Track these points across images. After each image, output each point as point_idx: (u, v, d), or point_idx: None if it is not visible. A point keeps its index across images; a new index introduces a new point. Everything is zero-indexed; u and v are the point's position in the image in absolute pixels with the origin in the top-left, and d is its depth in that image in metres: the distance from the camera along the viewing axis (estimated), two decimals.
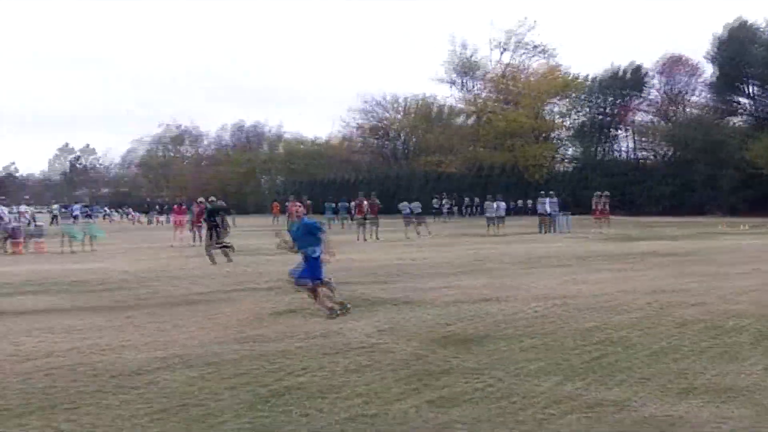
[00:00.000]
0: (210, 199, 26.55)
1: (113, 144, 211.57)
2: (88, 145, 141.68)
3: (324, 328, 10.35)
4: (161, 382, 7.40)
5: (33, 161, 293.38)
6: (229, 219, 28.56)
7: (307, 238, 11.65)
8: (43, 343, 9.49)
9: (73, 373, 7.83)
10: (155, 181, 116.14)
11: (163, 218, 56.54)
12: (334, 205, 48.72)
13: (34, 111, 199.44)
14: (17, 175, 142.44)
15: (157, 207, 67.96)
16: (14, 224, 28.98)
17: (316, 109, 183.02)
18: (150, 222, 64.24)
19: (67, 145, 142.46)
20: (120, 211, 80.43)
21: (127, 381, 7.46)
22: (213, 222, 22.42)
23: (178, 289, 15.33)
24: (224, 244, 22.06)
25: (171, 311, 12.23)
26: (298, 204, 11.88)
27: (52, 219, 39.16)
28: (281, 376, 7.55)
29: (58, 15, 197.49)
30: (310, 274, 11.54)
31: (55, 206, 35.72)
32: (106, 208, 77.93)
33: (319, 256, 11.62)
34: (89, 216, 29.40)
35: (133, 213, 73.81)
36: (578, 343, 9.05)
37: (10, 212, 29.95)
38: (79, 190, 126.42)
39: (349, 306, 11.70)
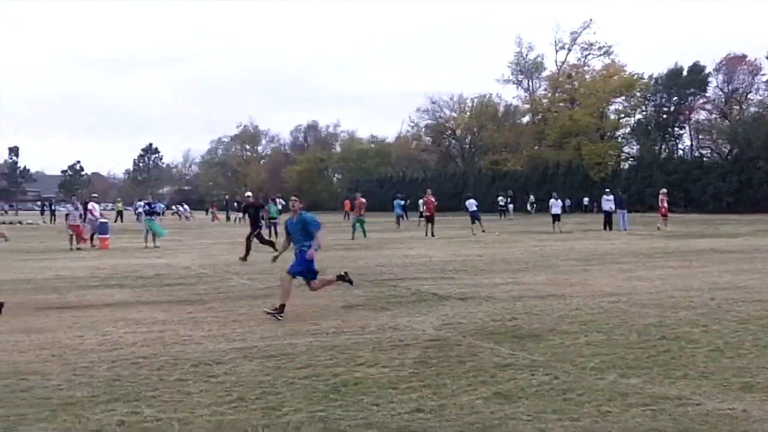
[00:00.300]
0: (246, 195, 27.26)
1: (194, 144, 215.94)
2: (164, 147, 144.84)
3: (394, 321, 10.63)
4: (239, 371, 7.74)
5: (119, 161, 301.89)
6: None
7: (302, 233, 11.79)
8: (128, 334, 9.97)
9: (156, 362, 8.24)
10: (233, 180, 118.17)
11: (240, 215, 57.67)
12: (402, 202, 48.86)
13: (122, 113, 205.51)
14: (103, 174, 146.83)
15: (235, 205, 69.23)
16: (102, 220, 30.05)
17: (382, 109, 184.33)
18: (228, 219, 65.68)
19: (150, 145, 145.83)
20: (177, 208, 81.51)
21: (206, 370, 7.82)
22: (251, 216, 23.63)
23: (256, 282, 15.78)
24: (264, 239, 23.37)
25: (249, 303, 12.66)
26: (294, 198, 12.13)
27: (137, 216, 40.14)
28: (352, 367, 7.83)
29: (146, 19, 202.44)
30: (305, 268, 11.71)
31: (139, 203, 36.66)
32: (179, 206, 79.22)
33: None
34: (154, 213, 30.09)
35: (188, 211, 75.05)
36: (639, 338, 9.15)
37: (103, 209, 30.99)
38: (159, 189, 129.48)
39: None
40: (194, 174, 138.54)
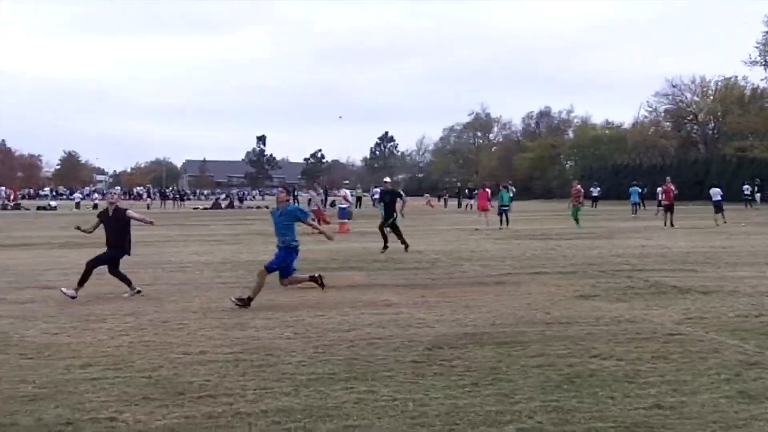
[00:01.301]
0: (384, 180, 25.29)
1: (428, 132, 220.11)
2: (399, 135, 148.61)
3: (631, 313, 10.29)
4: (471, 356, 7.81)
5: (357, 149, 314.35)
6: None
7: (287, 226, 11.75)
8: (365, 315, 10.32)
9: (391, 343, 8.48)
10: (465, 167, 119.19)
11: (472, 202, 58.07)
12: (639, 190, 47.07)
13: (361, 103, 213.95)
14: (342, 162, 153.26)
15: (466, 192, 69.79)
16: (342, 205, 31.38)
17: (617, 94, 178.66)
18: (459, 206, 66.34)
19: (386, 134, 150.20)
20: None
21: (439, 354, 7.95)
22: (386, 204, 21.48)
23: (487, 269, 15.85)
24: (396, 230, 20.77)
25: (481, 290, 12.72)
26: (281, 189, 12.05)
27: (374, 201, 41.50)
28: (587, 359, 7.67)
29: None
30: (281, 265, 11.71)
31: (376, 190, 37.90)
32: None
33: (293, 246, 11.78)
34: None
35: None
36: None
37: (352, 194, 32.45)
38: (394, 176, 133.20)
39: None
40: (427, 161, 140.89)
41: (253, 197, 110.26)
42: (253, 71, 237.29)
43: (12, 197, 73.98)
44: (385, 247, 20.39)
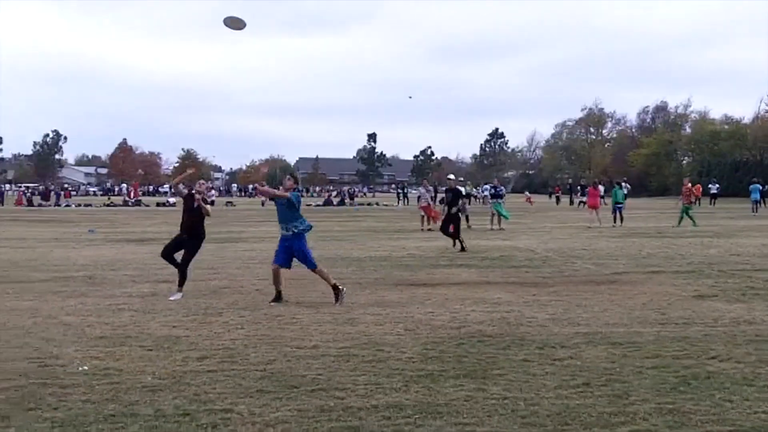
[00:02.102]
0: (448, 178, 24.28)
1: (539, 128, 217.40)
2: (509, 132, 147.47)
3: (750, 315, 9.95)
4: (584, 356, 7.69)
5: (467, 146, 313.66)
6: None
7: (290, 213, 11.43)
8: (475, 312, 10.30)
9: (502, 341, 8.43)
10: (577, 163, 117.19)
11: (584, 199, 57.21)
12: (761, 187, 45.26)
13: (471, 99, 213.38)
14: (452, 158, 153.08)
15: (577, 188, 68.63)
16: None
17: (737, 88, 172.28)
18: (571, 203, 65.30)
19: (496, 130, 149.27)
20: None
21: (551, 353, 7.87)
22: (448, 203, 20.93)
23: (600, 268, 15.55)
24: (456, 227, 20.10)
25: (593, 288, 12.51)
26: (289, 176, 11.51)
27: (483, 199, 41.25)
28: (703, 360, 7.45)
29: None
30: (283, 254, 11.43)
31: (486, 186, 37.71)
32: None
33: (299, 233, 11.40)
34: (499, 196, 30.55)
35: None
36: None
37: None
38: (504, 173, 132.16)
39: None
40: (538, 158, 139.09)
41: (364, 194, 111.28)
42: (366, 69, 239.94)
43: (133, 194, 76.68)
44: (462, 248, 19.51)
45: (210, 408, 5.97)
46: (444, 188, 22.58)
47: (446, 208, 20.74)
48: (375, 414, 5.83)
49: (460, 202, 20.56)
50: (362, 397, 6.28)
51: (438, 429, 5.51)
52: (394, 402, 6.12)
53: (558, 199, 69.77)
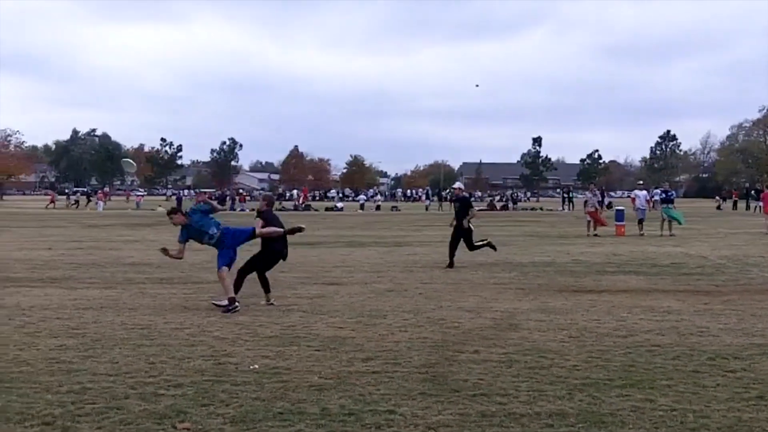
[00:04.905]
0: (453, 187, 21.62)
1: (714, 130, 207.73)
2: (682, 134, 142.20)
3: None
4: (758, 368, 7.35)
5: (636, 149, 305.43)
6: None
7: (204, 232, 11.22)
8: (643, 321, 10.01)
9: (671, 351, 8.16)
10: (755, 167, 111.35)
11: (761, 204, 54.33)
12: None
13: (640, 101, 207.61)
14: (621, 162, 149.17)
15: (752, 193, 65.32)
16: (619, 208, 30.57)
17: None
18: (748, 208, 62.19)
19: (668, 132, 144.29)
20: None
21: (723, 364, 7.56)
22: (456, 211, 18.37)
23: None
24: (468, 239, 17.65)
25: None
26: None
27: (653, 204, 39.82)
28: None
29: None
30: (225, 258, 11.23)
31: (656, 191, 36.39)
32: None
33: (215, 235, 11.21)
34: (670, 201, 29.44)
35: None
36: None
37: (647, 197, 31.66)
38: (675, 176, 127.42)
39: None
40: (712, 161, 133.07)
41: (527, 199, 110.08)
42: (534, 72, 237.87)
43: (302, 198, 78.97)
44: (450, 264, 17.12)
45: (374, 409, 6.10)
46: (454, 197, 19.29)
47: (455, 216, 18.09)
48: (537, 421, 5.79)
49: (471, 211, 18.02)
50: (524, 403, 6.24)
51: None
52: (557, 410, 6.05)
53: (735, 204, 66.62)
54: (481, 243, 18.06)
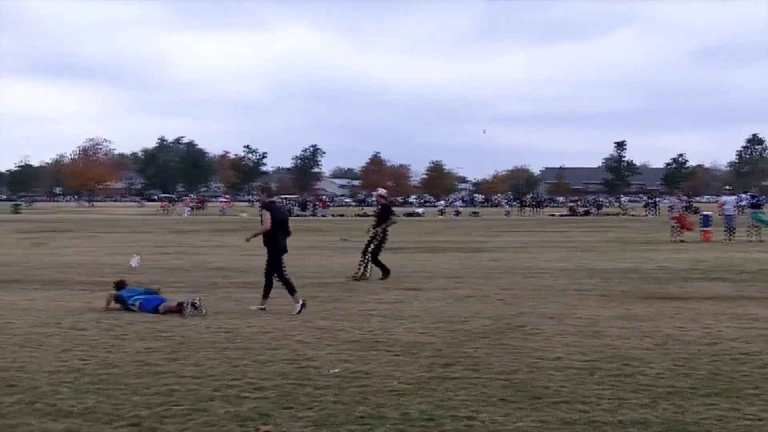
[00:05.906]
0: (377, 193, 19.40)
1: None
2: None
3: None
4: None
5: (723, 153, 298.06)
6: None
7: None
8: (729, 328, 9.77)
9: (758, 359, 7.97)
10: None
11: None
12: None
13: (728, 104, 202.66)
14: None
15: None
16: (705, 212, 29.84)
17: None
18: None
19: (755, 136, 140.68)
20: None
21: None
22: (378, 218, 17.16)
23: None
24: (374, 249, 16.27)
25: None
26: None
27: (741, 209, 38.76)
28: None
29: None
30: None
31: (743, 195, 35.41)
32: None
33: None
34: (758, 206, 28.62)
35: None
36: None
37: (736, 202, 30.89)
38: (763, 181, 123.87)
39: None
40: None
41: (610, 204, 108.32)
42: (618, 75, 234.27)
43: (321, 205, 79.26)
44: (362, 275, 15.97)
45: (454, 414, 6.12)
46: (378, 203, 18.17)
47: (376, 222, 16.86)
48: (620, 429, 5.72)
49: (390, 218, 16.91)
50: (607, 411, 6.17)
51: None
52: (640, 418, 5.97)
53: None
54: (379, 263, 16.27)
